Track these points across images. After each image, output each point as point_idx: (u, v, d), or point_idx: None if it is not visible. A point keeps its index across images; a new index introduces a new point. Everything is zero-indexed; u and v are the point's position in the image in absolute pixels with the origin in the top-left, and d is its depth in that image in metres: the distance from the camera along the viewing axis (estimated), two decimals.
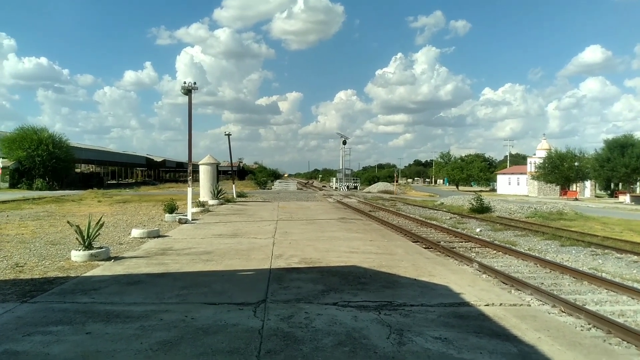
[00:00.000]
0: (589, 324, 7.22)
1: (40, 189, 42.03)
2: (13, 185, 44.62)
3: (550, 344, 4.67)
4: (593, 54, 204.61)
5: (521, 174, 73.49)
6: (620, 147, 53.41)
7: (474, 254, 13.48)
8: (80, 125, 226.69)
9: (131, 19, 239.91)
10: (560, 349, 4.54)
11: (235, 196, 30.35)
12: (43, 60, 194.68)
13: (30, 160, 45.71)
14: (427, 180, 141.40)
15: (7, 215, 17.73)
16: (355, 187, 71.61)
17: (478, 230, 19.61)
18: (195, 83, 16.63)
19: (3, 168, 44.73)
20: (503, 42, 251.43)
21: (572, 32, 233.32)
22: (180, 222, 15.17)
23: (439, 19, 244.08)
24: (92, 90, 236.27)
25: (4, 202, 24.82)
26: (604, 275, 10.99)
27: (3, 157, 45.75)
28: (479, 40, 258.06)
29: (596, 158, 57.25)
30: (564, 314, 7.77)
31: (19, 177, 45.96)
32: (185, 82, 16.45)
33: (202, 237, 12.02)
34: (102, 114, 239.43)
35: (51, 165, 46.47)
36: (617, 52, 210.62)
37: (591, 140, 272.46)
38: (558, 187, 61.87)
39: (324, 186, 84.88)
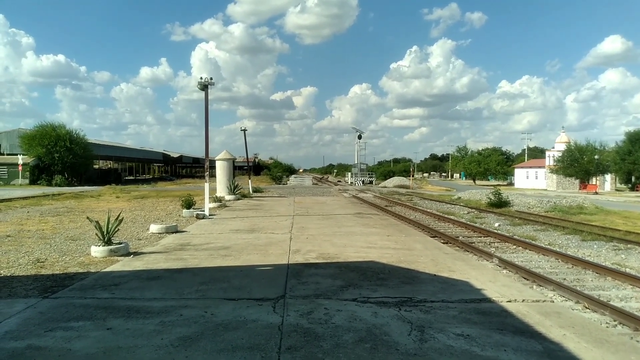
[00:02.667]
0: (615, 321, 7.06)
1: (60, 185, 42.71)
2: (33, 182, 45.42)
3: (576, 341, 4.56)
4: (613, 44, 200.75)
5: (539, 167, 72.44)
6: None
7: (494, 249, 13.31)
8: (98, 122, 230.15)
9: (146, 15, 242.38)
10: (587, 347, 4.42)
11: (251, 191, 30.42)
12: (61, 57, 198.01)
13: (49, 156, 46.49)
14: (443, 174, 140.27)
15: (28, 211, 18.01)
16: (371, 182, 71.37)
17: (497, 224, 19.38)
18: (211, 78, 16.63)
19: (23, 165, 45.51)
20: (520, 34, 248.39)
21: (590, 23, 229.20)
22: (198, 217, 15.24)
23: (454, 11, 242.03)
24: (109, 87, 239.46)
25: (24, 198, 25.25)
26: (627, 270, 10.75)
27: (23, 154, 46.56)
28: (496, 32, 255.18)
29: (617, 151, 56.31)
30: (589, 310, 7.61)
31: (39, 173, 46.79)
32: (201, 78, 16.45)
33: (220, 232, 12.05)
34: (119, 111, 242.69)
35: (70, 161, 47.20)
36: (638, 42, 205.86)
37: (610, 133, 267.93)
38: (577, 181, 60.85)
39: (339, 181, 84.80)
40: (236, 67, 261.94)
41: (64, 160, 46.79)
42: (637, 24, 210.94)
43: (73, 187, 39.87)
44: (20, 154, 46.42)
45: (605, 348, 4.43)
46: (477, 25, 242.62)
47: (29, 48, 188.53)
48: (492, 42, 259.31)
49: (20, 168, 45.20)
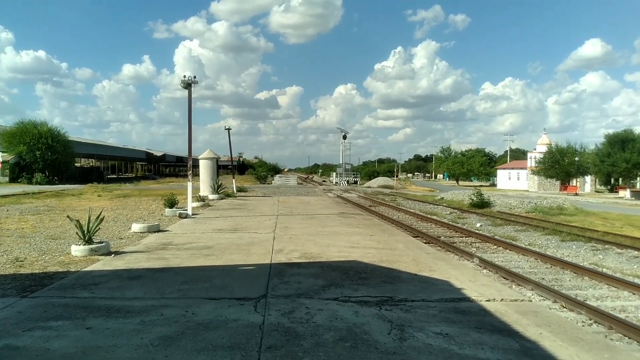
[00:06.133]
0: (591, 320, 7.21)
1: (40, 183, 42.03)
2: (13, 180, 44.62)
3: (552, 339, 4.65)
4: (593, 48, 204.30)
5: (521, 168, 73.41)
6: (620, 142, 53.46)
7: (475, 249, 13.47)
8: (80, 120, 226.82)
9: (128, 12, 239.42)
10: (562, 345, 4.52)
11: (235, 191, 30.32)
12: (41, 53, 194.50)
13: (30, 154, 45.70)
14: (427, 175, 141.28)
15: (7, 210, 17.71)
16: (355, 182, 71.59)
17: (478, 225, 19.60)
18: (195, 77, 16.56)
19: (3, 162, 44.72)
20: (503, 36, 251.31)
21: (571, 26, 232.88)
22: (181, 216, 15.15)
23: (438, 12, 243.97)
24: (91, 84, 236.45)
25: (4, 196, 24.80)
26: (604, 270, 10.98)
27: (3, 152, 45.73)
28: (479, 34, 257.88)
29: (597, 153, 57.28)
30: (565, 309, 7.76)
31: (19, 171, 45.98)
32: (185, 76, 16.38)
33: (203, 231, 12.00)
34: (101, 108, 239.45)
35: (51, 159, 46.47)
36: (617, 46, 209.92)
37: (590, 135, 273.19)
38: (558, 182, 61.84)
39: (324, 181, 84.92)
40: (220, 65, 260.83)
41: (45, 158, 46.03)
42: (617, 28, 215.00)
43: (54, 186, 39.28)
44: None
45: (580, 346, 4.53)
46: (461, 27, 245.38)
47: (8, 43, 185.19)
48: (475, 44, 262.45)
49: None
